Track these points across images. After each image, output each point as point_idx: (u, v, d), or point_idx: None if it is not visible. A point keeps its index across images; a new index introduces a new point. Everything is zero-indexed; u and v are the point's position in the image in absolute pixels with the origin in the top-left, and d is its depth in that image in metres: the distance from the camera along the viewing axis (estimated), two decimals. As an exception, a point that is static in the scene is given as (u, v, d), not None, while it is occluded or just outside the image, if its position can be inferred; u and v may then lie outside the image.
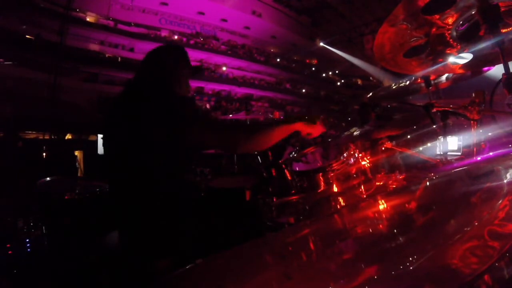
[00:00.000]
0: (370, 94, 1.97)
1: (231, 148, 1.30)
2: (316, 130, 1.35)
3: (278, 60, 21.51)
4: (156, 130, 1.15)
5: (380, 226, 0.71)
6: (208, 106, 15.01)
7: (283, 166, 1.43)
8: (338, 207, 1.42)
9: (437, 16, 1.08)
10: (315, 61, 23.74)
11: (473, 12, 1.06)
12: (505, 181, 0.76)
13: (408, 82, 1.73)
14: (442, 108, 1.41)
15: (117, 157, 1.25)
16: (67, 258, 1.73)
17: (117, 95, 1.33)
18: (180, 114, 1.18)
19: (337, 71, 23.41)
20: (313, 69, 23.73)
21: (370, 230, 0.70)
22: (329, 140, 1.48)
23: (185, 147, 1.22)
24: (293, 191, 1.42)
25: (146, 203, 1.17)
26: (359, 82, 24.62)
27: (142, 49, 15.66)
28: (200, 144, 1.24)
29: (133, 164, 1.18)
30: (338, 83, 24.11)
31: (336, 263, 0.57)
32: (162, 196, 1.19)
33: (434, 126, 1.50)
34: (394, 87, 1.85)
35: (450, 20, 1.11)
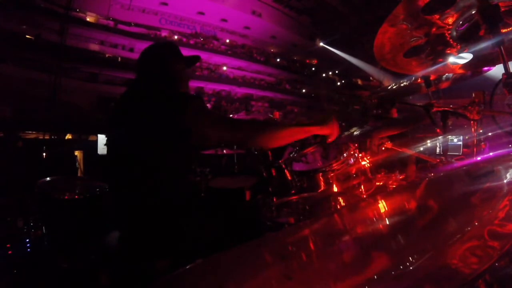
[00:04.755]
0: (370, 94, 1.97)
1: (241, 144, 1.29)
2: (333, 130, 1.28)
3: (278, 60, 21.50)
4: (160, 130, 1.15)
5: (380, 226, 0.71)
6: (209, 106, 14.97)
7: (283, 166, 1.43)
8: (338, 207, 1.42)
9: (437, 16, 1.08)
10: (315, 61, 23.73)
11: (473, 12, 1.06)
12: (505, 181, 0.76)
13: (408, 82, 1.73)
14: (442, 108, 1.41)
15: (120, 157, 1.25)
16: (67, 258, 1.73)
17: (120, 96, 1.34)
18: (186, 111, 1.17)
19: (337, 71, 23.40)
20: (313, 69, 23.72)
21: (370, 230, 0.70)
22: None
23: (189, 147, 1.22)
24: (293, 191, 1.42)
25: (146, 203, 1.17)
26: (359, 82, 24.61)
27: (142, 49, 15.53)
28: (209, 140, 1.23)
29: (135, 164, 1.18)
30: (338, 83, 24.10)
31: (336, 263, 0.57)
32: (162, 196, 1.19)
33: (434, 126, 1.50)
34: (394, 87, 1.85)
35: (450, 20, 1.11)
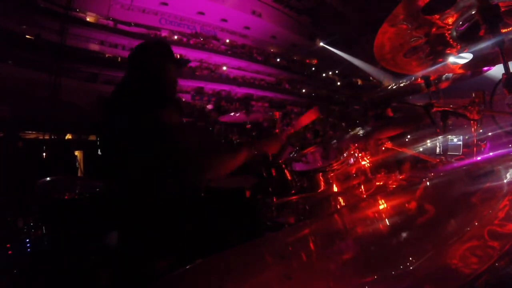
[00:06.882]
0: (370, 94, 1.96)
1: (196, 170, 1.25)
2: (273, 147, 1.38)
3: (278, 60, 21.49)
4: (150, 131, 1.16)
5: (380, 226, 0.71)
6: (210, 106, 14.91)
7: (283, 166, 1.43)
8: (338, 207, 1.42)
9: (437, 16, 1.08)
10: (315, 61, 23.72)
11: (473, 12, 1.06)
12: (505, 181, 0.76)
13: (408, 82, 1.73)
14: (442, 108, 1.41)
15: (115, 157, 1.25)
16: (67, 258, 1.73)
17: (110, 96, 1.34)
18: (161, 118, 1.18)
19: (337, 71, 23.40)
20: (313, 69, 23.72)
21: (370, 230, 0.70)
22: (332, 141, 1.48)
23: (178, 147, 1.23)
24: (293, 191, 1.42)
25: (145, 203, 1.17)
26: (359, 82, 24.60)
27: (142, 49, 15.62)
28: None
29: (132, 164, 1.18)
30: (338, 83, 24.09)
31: (336, 263, 0.57)
32: (161, 196, 1.19)
33: (434, 126, 1.50)
34: (394, 87, 1.85)
35: (450, 20, 1.11)
